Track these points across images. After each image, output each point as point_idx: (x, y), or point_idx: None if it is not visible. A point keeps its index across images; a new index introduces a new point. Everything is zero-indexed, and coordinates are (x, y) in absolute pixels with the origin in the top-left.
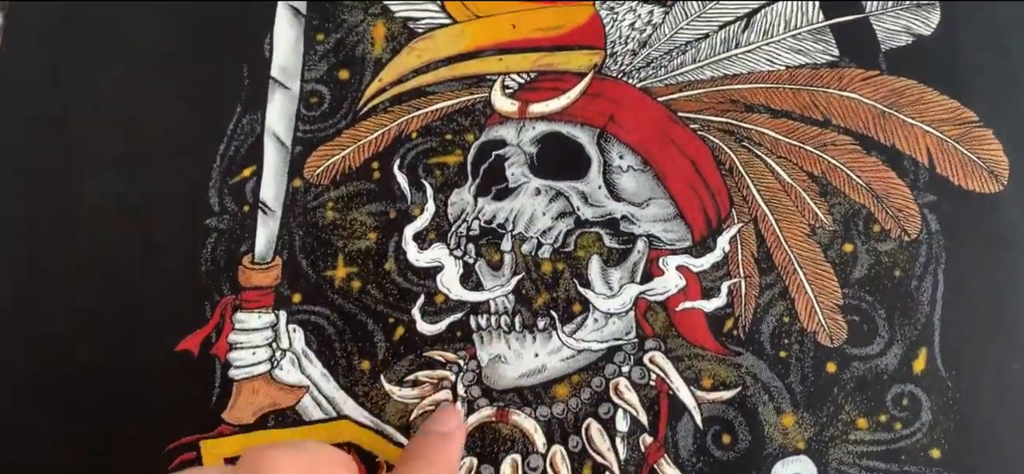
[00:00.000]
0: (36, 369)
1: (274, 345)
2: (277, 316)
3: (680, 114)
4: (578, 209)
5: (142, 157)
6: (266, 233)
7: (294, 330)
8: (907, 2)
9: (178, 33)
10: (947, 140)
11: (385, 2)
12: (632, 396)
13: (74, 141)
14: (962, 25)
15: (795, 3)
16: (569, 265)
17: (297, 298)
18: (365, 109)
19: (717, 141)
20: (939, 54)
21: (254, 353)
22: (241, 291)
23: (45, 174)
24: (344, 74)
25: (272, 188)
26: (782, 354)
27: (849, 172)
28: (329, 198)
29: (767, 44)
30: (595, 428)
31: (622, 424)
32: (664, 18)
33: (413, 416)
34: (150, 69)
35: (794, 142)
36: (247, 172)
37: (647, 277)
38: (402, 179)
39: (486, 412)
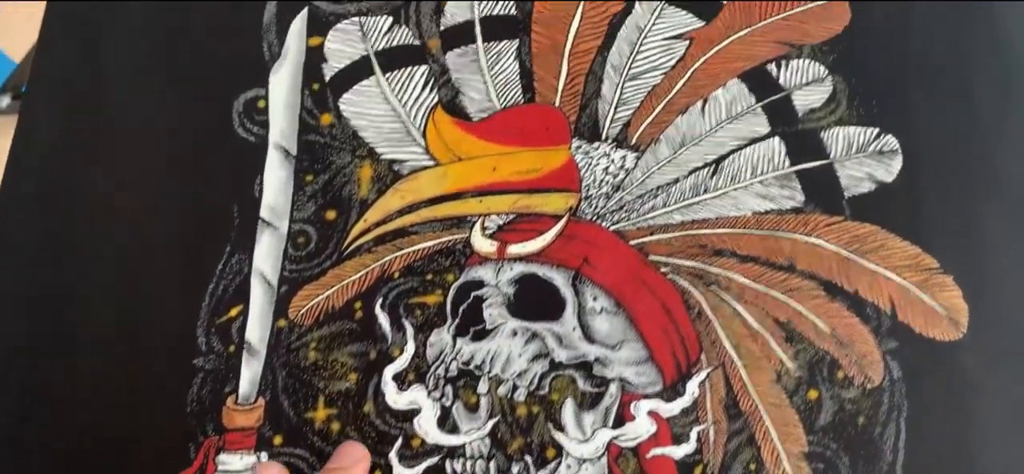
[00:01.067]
0: None
1: None
2: (258, 457)
3: (651, 257)
4: (553, 351)
5: (135, 296)
6: (250, 374)
7: None
8: (870, 150)
9: (173, 174)
10: (909, 286)
11: (371, 145)
12: None
13: (68, 277)
14: (923, 173)
15: (762, 150)
16: (544, 408)
17: (278, 440)
18: (350, 249)
19: (687, 285)
20: (901, 200)
21: None
22: (224, 432)
23: (42, 306)
24: (331, 214)
25: (257, 329)
26: None
27: (814, 318)
28: (312, 338)
29: (734, 189)
30: None
31: None
32: (636, 163)
33: None
34: (144, 208)
35: (760, 287)
36: (234, 312)
37: (619, 421)
38: (384, 319)
39: None
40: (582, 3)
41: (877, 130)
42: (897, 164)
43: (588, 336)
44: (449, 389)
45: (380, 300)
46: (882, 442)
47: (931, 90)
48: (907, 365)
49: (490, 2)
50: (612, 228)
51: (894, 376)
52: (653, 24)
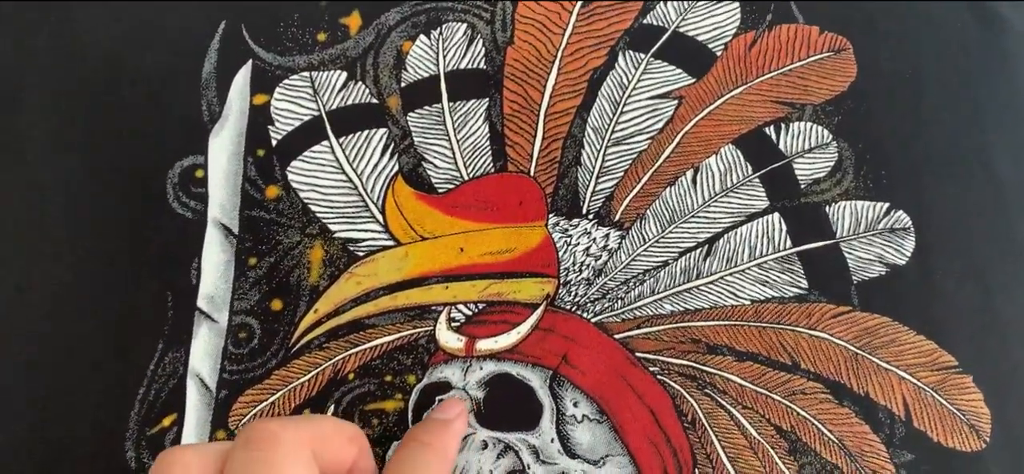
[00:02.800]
0: None
1: None
2: None
3: (638, 354)
4: (529, 467)
5: (50, 402)
6: None
7: None
8: (880, 228)
9: (97, 251)
10: (925, 388)
11: (324, 221)
12: None
13: None
14: (939, 255)
15: (761, 227)
16: None
17: None
18: (298, 346)
19: (678, 387)
20: (914, 287)
21: None
22: None
23: None
24: (277, 304)
25: (194, 441)
26: None
27: (820, 426)
28: None
29: (731, 274)
30: None
31: None
32: (620, 242)
33: None
34: (64, 295)
35: (761, 390)
36: (167, 421)
37: None
38: None
39: None
40: (560, 55)
41: (887, 205)
42: (910, 245)
43: (568, 449)
44: None
45: (332, 406)
46: None
47: (947, 158)
48: None
49: (457, 43)
50: (594, 320)
51: None
52: (638, 80)
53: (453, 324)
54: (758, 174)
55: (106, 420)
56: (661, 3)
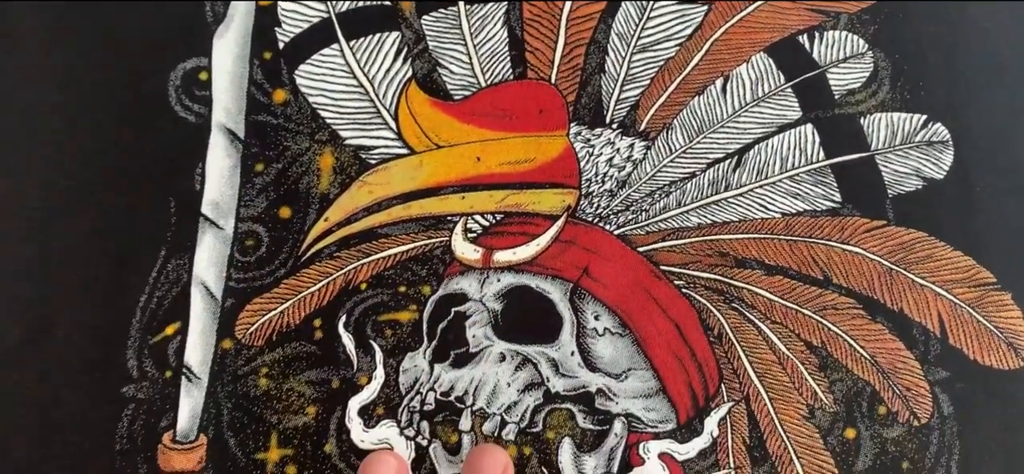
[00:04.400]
0: None
1: None
2: None
3: (663, 267)
4: (548, 380)
5: (47, 309)
6: (190, 405)
7: None
8: (917, 141)
9: (95, 156)
10: (961, 305)
11: (334, 127)
12: None
13: None
14: (979, 169)
15: (793, 139)
16: (537, 450)
17: None
18: (308, 254)
19: (704, 301)
20: (952, 202)
21: None
22: None
23: None
24: (285, 212)
25: (199, 350)
26: None
27: (852, 342)
28: (263, 363)
29: (761, 186)
30: None
31: None
32: (646, 153)
33: None
34: (60, 200)
35: (790, 305)
36: (170, 330)
37: (626, 465)
38: (348, 340)
39: None
40: None
41: (925, 117)
42: (948, 158)
43: (589, 363)
44: (425, 426)
45: (344, 317)
46: None
47: (989, 71)
48: (959, 399)
49: None
50: (617, 232)
51: (944, 412)
52: None
53: (469, 235)
54: (791, 83)
55: (106, 328)
56: None
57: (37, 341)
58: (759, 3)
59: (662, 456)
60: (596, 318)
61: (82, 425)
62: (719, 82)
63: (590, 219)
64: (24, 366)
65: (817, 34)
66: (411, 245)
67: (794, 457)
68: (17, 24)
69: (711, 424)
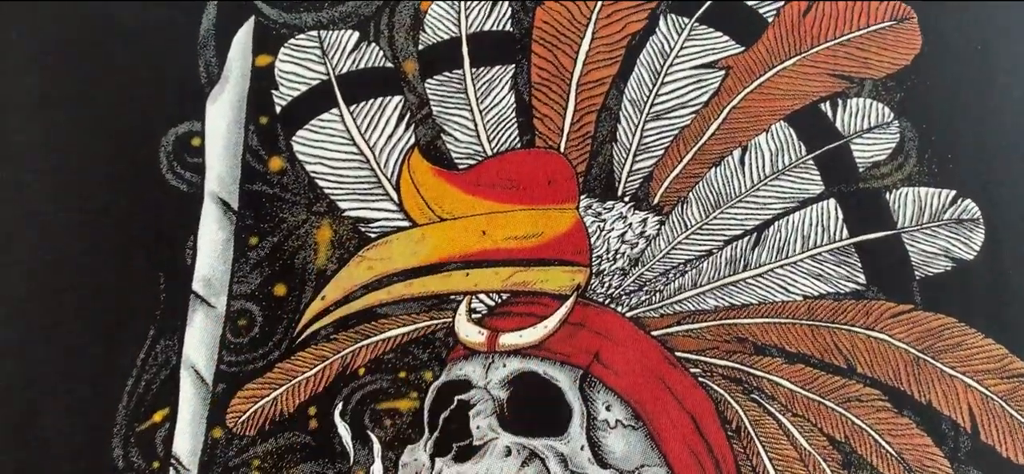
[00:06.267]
0: None
1: None
2: None
3: (678, 354)
4: None
5: (30, 394)
6: None
7: None
8: (946, 218)
9: (83, 228)
10: (993, 397)
11: (332, 197)
12: None
13: None
14: (1011, 249)
15: (815, 215)
16: None
17: None
18: (303, 336)
19: (722, 391)
20: (984, 285)
21: None
22: None
23: None
24: (280, 289)
25: (188, 439)
26: None
27: (877, 437)
28: (255, 454)
29: (781, 266)
30: None
31: None
32: (659, 229)
33: None
34: (46, 275)
35: (813, 396)
36: (158, 416)
37: None
38: (344, 431)
39: None
40: (595, 18)
41: (954, 192)
42: (979, 237)
43: (600, 458)
44: None
45: (340, 405)
46: None
47: (1021, 142)
48: None
49: (482, 2)
50: (629, 315)
51: None
52: (681, 48)
53: (474, 316)
54: (812, 155)
55: (91, 414)
56: None
57: (20, 428)
58: (779, 68)
59: None
60: (607, 409)
61: None
62: (737, 153)
63: (601, 299)
64: (5, 456)
65: (840, 102)
66: (412, 327)
67: None
68: (3, 85)
69: None
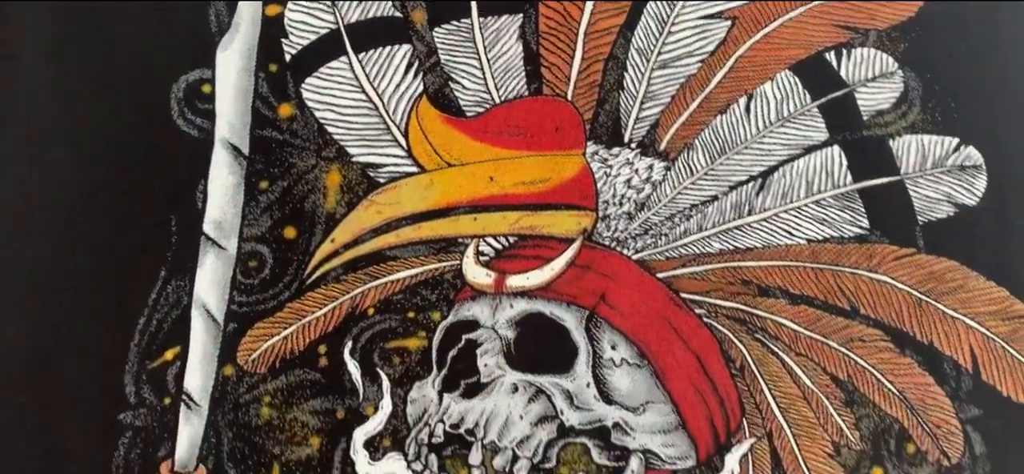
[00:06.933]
0: None
1: None
2: None
3: (683, 295)
4: (562, 413)
5: (43, 332)
6: (189, 434)
7: None
8: (949, 165)
9: (96, 173)
10: (994, 338)
11: (341, 143)
12: None
13: None
14: (1013, 194)
15: (819, 161)
16: None
17: None
18: (313, 277)
19: (726, 331)
20: (986, 229)
21: None
22: None
23: None
24: (290, 232)
25: (199, 376)
26: None
27: (880, 376)
28: (266, 391)
29: (785, 211)
30: None
31: None
32: (665, 175)
33: None
34: (59, 220)
35: (816, 336)
36: (170, 354)
37: None
38: (354, 368)
39: None
40: None
41: (957, 140)
42: (981, 183)
43: (605, 395)
44: (433, 459)
45: (350, 343)
46: None
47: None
48: (991, 437)
49: None
50: (635, 257)
51: (976, 451)
52: None
53: (482, 258)
54: (817, 103)
55: (103, 353)
56: None
57: (36, 367)
58: (785, 18)
59: None
60: (613, 348)
61: (79, 454)
62: (743, 101)
63: (607, 243)
64: (23, 394)
65: (845, 51)
66: (421, 269)
67: None
68: (16, 34)
69: (732, 461)
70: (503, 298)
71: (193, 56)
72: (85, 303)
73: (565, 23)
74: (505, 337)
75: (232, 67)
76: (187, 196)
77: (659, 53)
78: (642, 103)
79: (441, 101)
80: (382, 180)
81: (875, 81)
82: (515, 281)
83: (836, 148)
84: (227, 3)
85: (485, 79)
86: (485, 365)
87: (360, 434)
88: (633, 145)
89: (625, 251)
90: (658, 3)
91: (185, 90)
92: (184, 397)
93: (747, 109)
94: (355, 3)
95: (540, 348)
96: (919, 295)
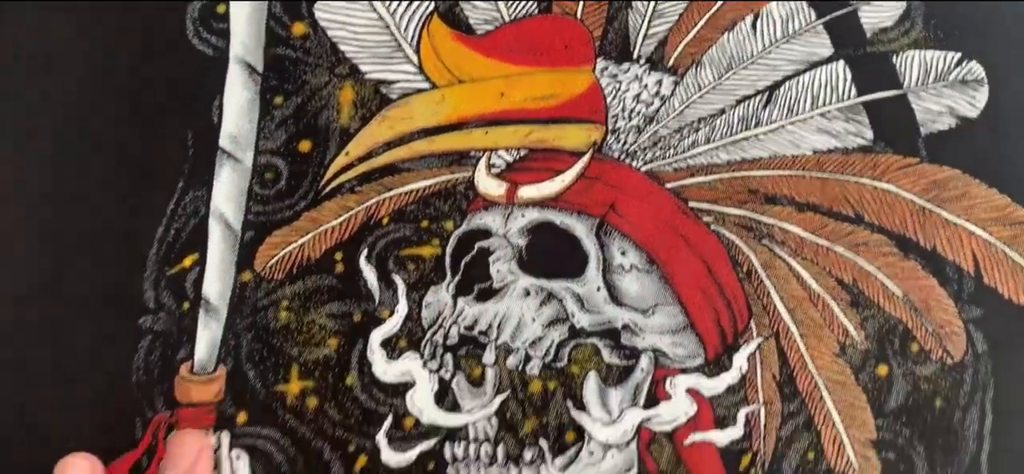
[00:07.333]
0: None
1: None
2: (218, 439)
3: (691, 204)
4: (573, 315)
5: (64, 240)
6: (208, 336)
7: (238, 456)
8: (951, 79)
9: (111, 92)
10: (996, 243)
11: (354, 61)
12: None
13: None
14: (1013, 107)
15: (824, 76)
16: (562, 384)
17: (242, 417)
18: (328, 188)
19: (734, 237)
20: (987, 140)
21: None
22: (177, 408)
23: None
24: (305, 145)
25: (217, 282)
26: None
27: (884, 279)
28: (283, 296)
29: (791, 123)
30: None
31: None
32: (674, 89)
33: None
34: (77, 134)
35: (822, 241)
36: (188, 261)
37: (652, 400)
38: (370, 273)
39: None
40: None
41: (959, 55)
42: (982, 96)
43: (615, 298)
44: (448, 359)
45: (365, 251)
46: (963, 428)
47: None
48: (993, 336)
49: None
50: (644, 168)
51: (978, 350)
52: None
53: (493, 170)
54: (822, 21)
55: (122, 261)
56: None
57: (56, 274)
58: None
59: (689, 391)
60: (623, 254)
61: (100, 357)
62: (749, 18)
63: (617, 156)
64: (44, 299)
65: None
66: (433, 180)
67: (825, 393)
68: None
69: (740, 359)
70: (514, 208)
71: None
72: (104, 215)
73: None
74: (517, 245)
75: None
76: (203, 112)
77: None
78: (650, 20)
79: (452, 19)
80: (394, 96)
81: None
82: (526, 191)
83: (841, 63)
84: None
85: None
86: (498, 271)
87: (377, 335)
88: (642, 61)
89: (634, 163)
90: None
91: (200, 10)
92: (203, 302)
93: (753, 26)
94: None
95: (551, 255)
96: (922, 202)
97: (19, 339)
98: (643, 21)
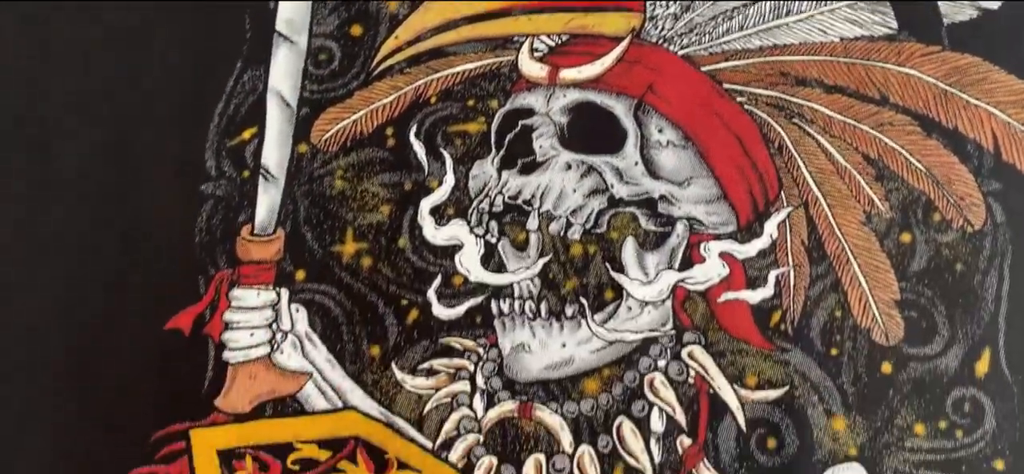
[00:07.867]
0: (6, 349)
1: (274, 326)
2: (278, 294)
3: (725, 86)
4: (612, 186)
5: (130, 116)
6: (267, 202)
7: (297, 310)
8: None
9: None
10: (1014, 124)
11: None
12: (668, 393)
13: (52, 96)
14: None
15: None
16: (601, 248)
17: (301, 275)
18: (379, 69)
19: (765, 116)
20: (1007, 29)
21: (252, 334)
22: (239, 265)
23: (12, 132)
24: (356, 30)
25: (275, 153)
26: (833, 352)
27: (908, 155)
28: (338, 166)
29: (820, 12)
30: (628, 427)
31: (657, 424)
32: None
33: (427, 409)
34: (141, 18)
35: (849, 120)
36: (247, 134)
37: (687, 263)
38: (419, 148)
39: (508, 406)
40: None
41: None
42: None
43: (652, 171)
44: (494, 225)
45: (414, 127)
46: (982, 291)
47: None
48: (1011, 208)
49: None
50: (681, 53)
51: (997, 219)
52: None
53: (536, 54)
54: None
55: (185, 133)
56: None
57: (121, 144)
58: None
59: (722, 255)
60: (660, 131)
61: (164, 220)
62: None
63: (654, 40)
64: (109, 166)
65: None
66: (479, 63)
67: (851, 257)
68: None
69: (771, 226)
70: (556, 89)
71: None
72: (167, 91)
73: None
74: (559, 123)
75: None
76: None
77: None
78: None
79: None
80: None
81: None
82: (568, 73)
83: None
84: None
85: None
86: (540, 146)
87: (427, 203)
88: None
89: (671, 48)
90: None
91: None
92: (262, 170)
93: None
94: None
95: (591, 132)
96: (944, 86)
97: (88, 202)
98: None
